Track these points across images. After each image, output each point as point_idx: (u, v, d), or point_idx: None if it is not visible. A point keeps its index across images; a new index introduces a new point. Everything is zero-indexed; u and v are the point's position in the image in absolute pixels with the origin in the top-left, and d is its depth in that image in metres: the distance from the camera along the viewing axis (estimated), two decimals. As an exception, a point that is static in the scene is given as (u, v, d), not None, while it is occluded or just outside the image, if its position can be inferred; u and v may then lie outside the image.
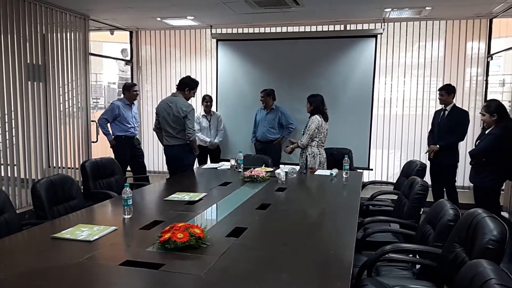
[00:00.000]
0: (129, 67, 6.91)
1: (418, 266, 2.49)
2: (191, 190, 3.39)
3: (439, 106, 4.96)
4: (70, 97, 5.39)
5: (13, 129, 4.56)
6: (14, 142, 4.57)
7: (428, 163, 4.76)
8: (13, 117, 4.55)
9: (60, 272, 1.80)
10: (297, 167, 4.28)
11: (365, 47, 5.69)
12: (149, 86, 6.86)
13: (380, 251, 2.25)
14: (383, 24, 5.71)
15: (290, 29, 6.09)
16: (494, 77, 5.99)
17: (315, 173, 4.28)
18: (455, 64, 5.70)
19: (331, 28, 5.95)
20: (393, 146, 6.03)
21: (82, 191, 3.46)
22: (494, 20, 5.51)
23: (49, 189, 2.94)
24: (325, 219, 2.89)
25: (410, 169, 3.98)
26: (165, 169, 5.06)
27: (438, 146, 4.76)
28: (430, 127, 5.11)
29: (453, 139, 4.72)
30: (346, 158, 4.06)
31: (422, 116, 5.85)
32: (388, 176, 6.04)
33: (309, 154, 4.60)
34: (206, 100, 5.84)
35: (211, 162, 5.65)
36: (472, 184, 4.26)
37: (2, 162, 4.51)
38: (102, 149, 5.99)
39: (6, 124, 4.47)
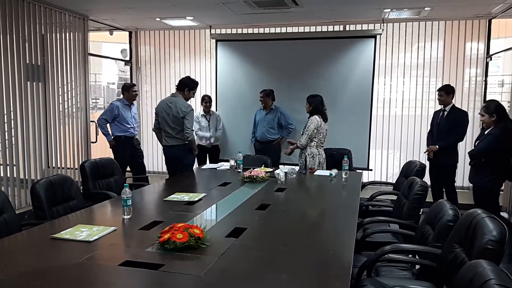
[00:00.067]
0: (129, 68, 6.91)
1: (417, 267, 2.49)
2: (191, 190, 3.39)
3: (438, 107, 4.96)
4: (69, 97, 5.39)
5: (13, 130, 4.56)
6: (13, 143, 4.57)
7: (427, 164, 4.77)
8: (12, 118, 4.54)
9: (60, 272, 1.80)
10: (297, 168, 4.28)
11: (365, 48, 5.69)
12: (149, 86, 6.86)
13: (379, 251, 2.25)
14: (382, 24, 5.71)
15: (290, 29, 6.10)
16: (493, 78, 6.00)
17: (315, 173, 4.28)
18: (454, 64, 5.71)
19: (331, 28, 5.96)
20: (392, 147, 6.03)
21: (81, 191, 3.46)
22: (493, 20, 5.51)
23: (48, 190, 2.94)
24: (324, 219, 2.89)
25: (410, 170, 3.98)
26: (165, 169, 5.05)
27: (437, 146, 4.76)
28: (429, 127, 5.11)
29: (452, 140, 4.73)
30: (345, 159, 4.06)
31: (422, 116, 5.85)
32: (388, 176, 6.04)
33: (308, 155, 4.60)
34: (206, 100, 5.84)
35: (211, 162, 5.65)
36: (471, 185, 4.26)
37: (1, 162, 4.51)
38: (102, 150, 5.99)
39: (6, 124, 4.47)
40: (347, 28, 5.95)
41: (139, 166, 5.61)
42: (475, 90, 5.69)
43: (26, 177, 4.77)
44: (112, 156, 5.17)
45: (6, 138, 4.49)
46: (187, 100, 4.60)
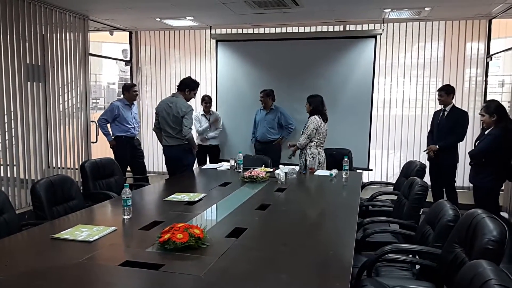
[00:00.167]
0: (129, 68, 6.91)
1: (417, 267, 2.49)
2: (191, 190, 3.39)
3: (439, 107, 4.96)
4: (69, 97, 5.39)
5: (13, 130, 4.56)
6: (13, 143, 4.57)
7: (427, 164, 4.77)
8: (12, 118, 4.54)
9: (60, 272, 1.80)
10: (297, 168, 4.28)
11: (365, 48, 5.69)
12: (149, 86, 6.86)
13: (379, 251, 2.25)
14: (382, 24, 5.71)
15: (290, 29, 6.10)
16: (494, 78, 6.00)
17: (315, 173, 4.28)
18: (454, 64, 5.71)
19: (331, 28, 5.96)
20: (392, 147, 6.03)
21: (81, 191, 3.46)
22: (493, 20, 5.51)
23: (48, 190, 2.94)
24: (324, 219, 2.89)
25: (410, 170, 3.98)
26: (165, 169, 5.06)
27: (437, 146, 4.76)
28: (429, 127, 5.11)
29: (453, 140, 4.72)
30: (345, 159, 4.06)
31: (422, 116, 5.85)
32: (388, 176, 6.04)
33: (308, 155, 4.60)
34: (206, 100, 5.84)
35: (211, 162, 5.65)
36: (471, 185, 4.26)
37: (1, 162, 4.51)
38: (102, 150, 6.00)
39: (6, 124, 4.47)
40: (347, 28, 5.95)
41: (140, 166, 5.61)
42: (475, 90, 5.68)
43: (26, 177, 4.77)
44: (112, 156, 5.17)
45: (7, 138, 4.49)
46: (188, 101, 4.60)
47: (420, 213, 2.97)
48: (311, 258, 2.00)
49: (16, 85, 4.59)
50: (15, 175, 4.64)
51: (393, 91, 5.94)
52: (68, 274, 1.79)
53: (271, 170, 4.19)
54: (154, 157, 6.80)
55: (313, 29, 6.03)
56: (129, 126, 5.41)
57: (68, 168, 5.38)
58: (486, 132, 3.99)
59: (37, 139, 4.88)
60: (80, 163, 4.47)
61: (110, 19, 5.91)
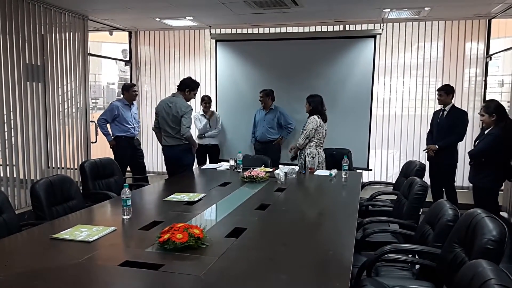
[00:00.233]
0: (129, 68, 6.91)
1: (417, 266, 2.49)
2: (190, 190, 3.39)
3: (438, 107, 4.96)
4: (69, 97, 5.39)
5: (12, 130, 4.55)
6: (13, 143, 4.57)
7: (427, 163, 4.77)
8: (12, 118, 4.54)
9: (59, 272, 1.80)
10: (297, 168, 4.28)
11: (364, 48, 5.69)
12: (148, 86, 6.86)
13: (379, 251, 2.25)
14: (382, 24, 5.71)
15: (289, 29, 6.10)
16: (493, 78, 6.00)
17: (314, 173, 4.28)
18: (454, 64, 5.71)
19: (330, 28, 5.96)
20: (392, 147, 6.03)
21: (81, 191, 3.46)
22: (493, 20, 5.51)
23: (48, 190, 2.94)
24: (324, 219, 2.89)
25: (410, 169, 3.99)
26: (165, 169, 5.05)
27: (437, 146, 4.76)
28: (429, 127, 5.11)
29: (452, 140, 4.73)
30: (345, 159, 4.06)
31: (421, 116, 5.85)
32: (388, 176, 6.04)
33: (307, 155, 4.61)
34: (205, 100, 5.84)
35: (210, 162, 5.65)
36: (471, 184, 4.26)
37: (1, 162, 4.51)
38: (101, 150, 6.00)
39: (5, 124, 4.47)
40: (347, 28, 5.95)
41: (140, 166, 5.61)
42: (475, 90, 5.69)
43: (26, 177, 4.77)
44: (112, 156, 5.17)
45: (6, 138, 4.49)
46: (188, 101, 4.60)
47: (420, 213, 2.97)
48: (311, 258, 2.00)
49: (16, 85, 4.59)
50: (15, 175, 4.64)
51: (393, 91, 5.95)
52: (68, 274, 1.79)
53: (271, 170, 4.19)
54: (153, 157, 6.80)
55: (312, 29, 6.03)
56: (129, 126, 5.41)
57: (68, 168, 5.38)
58: (485, 132, 3.99)
59: (37, 139, 4.88)
60: (80, 163, 4.47)
61: (110, 19, 5.91)
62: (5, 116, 4.46)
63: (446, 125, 4.74)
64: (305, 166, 4.53)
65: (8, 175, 4.57)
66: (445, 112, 4.78)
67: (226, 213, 2.73)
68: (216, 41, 6.18)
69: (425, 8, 5.02)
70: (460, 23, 5.62)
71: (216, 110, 6.16)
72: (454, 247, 2.04)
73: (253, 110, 5.83)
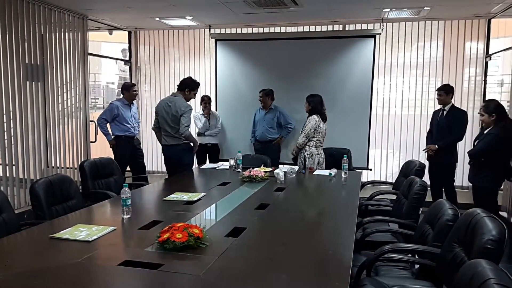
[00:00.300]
0: (128, 67, 6.90)
1: (417, 266, 2.49)
2: (190, 190, 3.39)
3: (438, 106, 4.96)
4: (68, 97, 5.38)
5: (12, 129, 4.55)
6: (12, 142, 4.56)
7: (427, 163, 4.77)
8: (11, 117, 4.54)
9: (59, 272, 1.80)
10: (296, 167, 4.27)
11: (364, 47, 5.69)
12: (148, 86, 6.86)
13: (379, 251, 2.25)
14: (381, 24, 5.71)
15: (289, 29, 6.10)
16: (493, 77, 6.00)
17: (314, 173, 4.28)
18: (453, 64, 5.71)
19: (330, 28, 5.96)
20: (392, 146, 6.03)
21: (80, 191, 3.46)
22: (492, 20, 5.52)
23: (47, 189, 2.94)
24: (324, 219, 2.88)
25: (409, 169, 3.99)
26: (164, 169, 5.05)
27: (436, 146, 4.76)
28: (428, 127, 5.11)
29: (452, 139, 4.73)
30: (345, 158, 4.06)
31: (421, 116, 5.85)
32: (387, 176, 6.04)
33: (307, 154, 4.61)
34: (205, 101, 5.84)
35: (210, 162, 5.65)
36: (470, 184, 4.26)
37: (0, 162, 4.51)
38: (101, 149, 5.99)
39: (5, 124, 4.46)
40: (347, 28, 5.95)
41: (139, 166, 5.61)
42: (475, 89, 5.69)
43: (25, 177, 4.76)
44: (112, 156, 5.16)
45: (6, 137, 4.48)
46: (188, 101, 4.59)
47: (419, 213, 2.97)
48: (311, 258, 2.00)
49: (15, 85, 4.58)
50: (14, 175, 4.64)
51: (393, 91, 5.95)
52: (67, 273, 1.79)
53: (271, 169, 4.19)
54: (153, 157, 6.80)
55: (312, 28, 6.03)
56: (129, 125, 5.40)
57: (67, 168, 5.37)
58: (485, 132, 3.99)
59: (36, 139, 4.88)
60: (79, 162, 4.46)
61: (109, 18, 5.90)
62: (4, 115, 4.46)
63: (446, 125, 4.74)
64: (304, 166, 4.53)
65: (8, 175, 4.56)
66: (445, 112, 4.79)
67: (226, 213, 2.73)
68: (216, 40, 6.17)
69: (425, 8, 5.02)
70: (460, 22, 5.63)
71: (216, 110, 6.16)
72: (454, 247, 2.04)
73: (253, 110, 5.83)
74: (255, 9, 5.02)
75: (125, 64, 7.02)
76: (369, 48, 5.65)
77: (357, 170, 5.12)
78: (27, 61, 4.73)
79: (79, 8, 5.28)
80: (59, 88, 5.22)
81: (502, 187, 4.75)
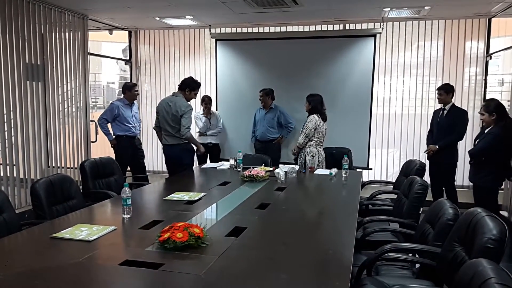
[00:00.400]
0: (129, 67, 6.90)
1: (417, 265, 2.49)
2: (191, 189, 3.39)
3: (438, 106, 4.96)
4: (69, 97, 5.38)
5: (12, 129, 4.55)
6: (13, 142, 4.57)
7: (427, 163, 4.77)
8: (12, 117, 4.54)
9: (59, 272, 1.80)
10: (297, 167, 4.28)
11: (364, 47, 5.69)
12: (148, 85, 6.86)
13: (379, 250, 2.25)
14: (382, 23, 5.71)
15: (289, 28, 6.09)
16: (493, 77, 6.00)
17: (315, 172, 4.28)
18: (454, 63, 5.71)
19: (330, 27, 5.95)
20: (392, 146, 6.03)
21: (81, 191, 3.46)
22: (493, 19, 5.51)
23: (48, 189, 2.94)
24: (324, 218, 2.88)
25: (410, 169, 3.99)
26: (165, 169, 5.06)
27: (437, 146, 4.76)
28: (429, 126, 5.11)
29: (452, 139, 4.72)
30: (345, 158, 4.06)
31: (421, 115, 5.85)
32: (388, 175, 6.04)
33: (307, 154, 4.61)
34: (205, 101, 5.83)
35: (211, 161, 5.65)
36: (471, 184, 4.26)
37: (1, 162, 4.51)
38: (101, 149, 5.99)
39: (5, 124, 4.46)
40: (347, 27, 5.95)
41: (140, 166, 5.60)
42: (475, 89, 5.68)
43: (26, 177, 4.77)
44: (112, 156, 5.16)
45: (6, 137, 4.48)
46: (188, 101, 4.59)
47: (420, 212, 2.97)
48: (311, 257, 2.00)
49: (16, 85, 4.58)
50: (15, 175, 4.64)
51: (393, 90, 5.94)
52: (68, 273, 1.79)
53: (271, 169, 4.19)
54: (154, 156, 6.80)
55: (312, 28, 6.02)
56: (130, 125, 5.40)
57: (68, 168, 5.38)
58: (485, 131, 3.99)
59: (37, 139, 4.88)
60: (80, 162, 4.46)
61: (110, 18, 5.90)
62: (5, 115, 4.46)
63: (446, 124, 4.73)
64: (305, 165, 4.53)
65: (8, 175, 4.56)
66: (445, 111, 4.78)
67: (226, 212, 2.73)
68: (216, 40, 6.17)
69: (425, 7, 5.01)
70: (460, 22, 5.62)
71: (216, 109, 6.16)
72: (454, 246, 2.04)
73: (253, 109, 5.83)
74: (255, 8, 5.02)
75: (125, 63, 7.03)
76: (369, 47, 5.65)
77: (357, 170, 5.11)
78: (27, 61, 4.73)
79: (79, 8, 5.28)
80: (60, 88, 5.22)
81: (502, 186, 4.75)
